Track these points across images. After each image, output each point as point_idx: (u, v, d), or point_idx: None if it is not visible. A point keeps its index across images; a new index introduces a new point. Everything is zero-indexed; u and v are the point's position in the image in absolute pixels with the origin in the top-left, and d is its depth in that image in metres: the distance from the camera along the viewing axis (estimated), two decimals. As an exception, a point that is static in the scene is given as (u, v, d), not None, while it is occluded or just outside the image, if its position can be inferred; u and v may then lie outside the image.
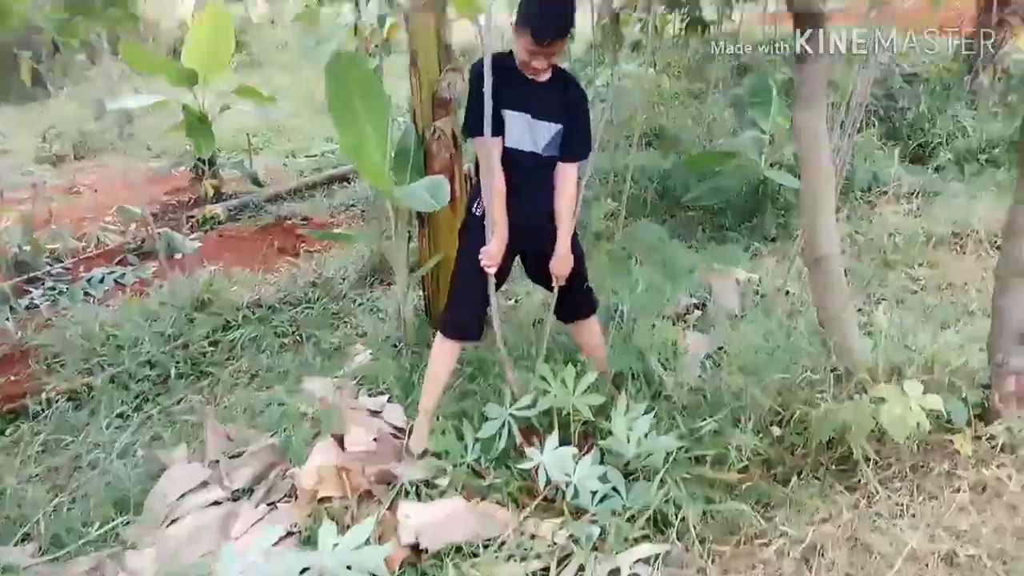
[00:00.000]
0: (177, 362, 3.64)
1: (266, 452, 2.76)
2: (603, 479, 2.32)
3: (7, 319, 4.02)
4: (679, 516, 2.20)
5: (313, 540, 2.13)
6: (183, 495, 2.59)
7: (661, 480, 2.27)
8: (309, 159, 8.20)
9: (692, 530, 2.17)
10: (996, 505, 2.13)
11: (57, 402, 3.31)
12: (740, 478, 2.38)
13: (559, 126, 2.51)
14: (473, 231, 2.58)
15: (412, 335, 3.60)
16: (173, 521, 2.47)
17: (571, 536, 2.18)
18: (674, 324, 3.59)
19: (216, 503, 2.56)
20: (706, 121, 7.23)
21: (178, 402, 3.40)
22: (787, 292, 3.88)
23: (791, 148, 4.98)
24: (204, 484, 2.65)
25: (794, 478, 2.38)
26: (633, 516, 2.23)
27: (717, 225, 5.34)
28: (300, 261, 5.10)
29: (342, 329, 4.07)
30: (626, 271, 4.15)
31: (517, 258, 2.80)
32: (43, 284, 4.72)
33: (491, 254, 2.43)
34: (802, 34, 2.39)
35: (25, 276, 4.71)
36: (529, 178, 2.55)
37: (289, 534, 2.33)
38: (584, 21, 7.54)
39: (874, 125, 6.82)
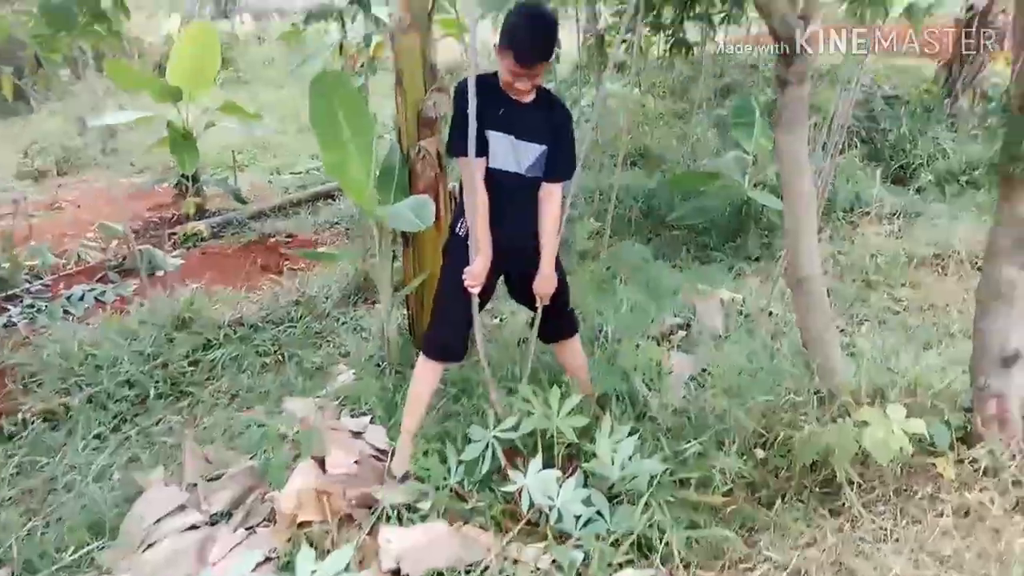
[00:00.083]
0: (156, 382, 3.59)
1: (245, 475, 2.72)
2: (587, 502, 2.30)
3: (-17, 337, 3.96)
4: (663, 540, 2.18)
5: (292, 566, 2.09)
6: (160, 519, 2.53)
7: (645, 504, 2.26)
8: (294, 176, 8.18)
9: (676, 555, 2.15)
10: (979, 529, 2.13)
11: (33, 423, 3.26)
12: (724, 501, 2.37)
13: (543, 147, 2.51)
14: (456, 251, 2.57)
15: (396, 355, 3.57)
16: (149, 546, 2.42)
17: (554, 561, 2.16)
18: (659, 344, 3.59)
19: (193, 527, 2.51)
20: (690, 141, 7.30)
21: (157, 423, 3.35)
22: (771, 312, 3.89)
23: (774, 169, 5.03)
24: (181, 507, 2.59)
25: (778, 501, 2.37)
26: (617, 540, 2.20)
27: (701, 245, 5.36)
28: (283, 279, 5.06)
29: (325, 348, 4.03)
30: (611, 291, 4.16)
31: (501, 278, 2.79)
32: (22, 302, 4.65)
33: (475, 274, 2.42)
34: (784, 59, 2.41)
35: (4, 293, 4.66)
36: (513, 199, 2.54)
37: (268, 559, 2.29)
38: (570, 42, 7.63)
39: (856, 146, 6.92)
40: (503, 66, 2.36)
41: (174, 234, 6.00)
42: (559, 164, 2.56)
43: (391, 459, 2.76)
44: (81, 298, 4.71)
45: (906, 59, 9.65)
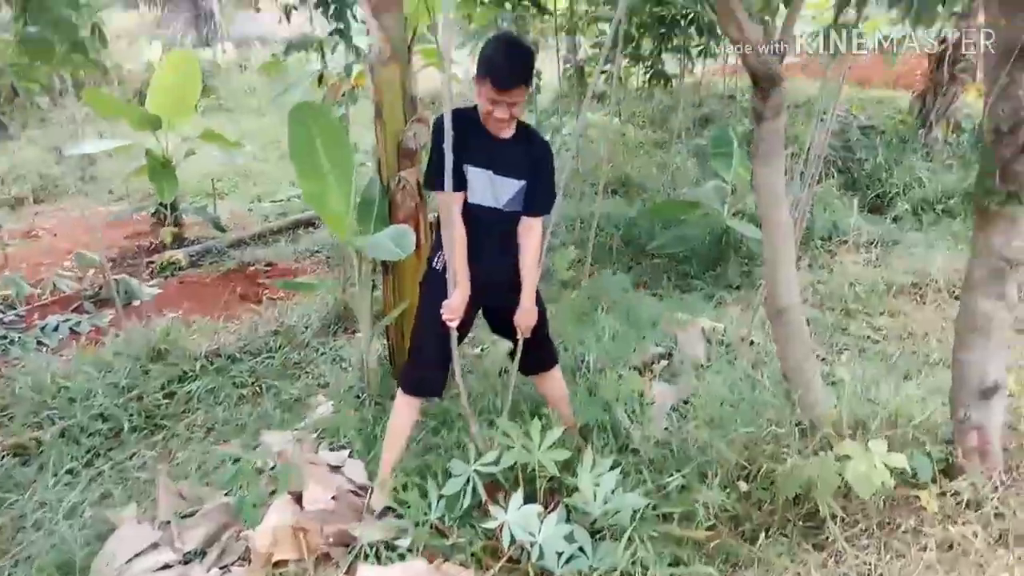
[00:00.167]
0: (130, 415, 3.51)
1: (220, 511, 2.66)
2: (569, 539, 2.26)
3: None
4: (646, 577, 2.15)
5: (267, 607, 2.04)
6: (132, 558, 2.46)
7: (628, 539, 2.23)
8: (275, 204, 8.13)
9: (659, 592, 2.12)
10: (963, 564, 2.12)
11: (3, 458, 3.18)
12: (708, 536, 2.34)
13: (522, 183, 2.50)
14: (434, 285, 2.55)
15: (376, 385, 3.54)
16: (120, 586, 2.36)
17: (536, 600, 2.12)
18: (640, 374, 3.58)
19: (167, 566, 2.44)
20: (670, 170, 7.36)
21: (130, 457, 3.28)
22: (752, 342, 3.90)
23: (753, 198, 5.07)
24: (154, 546, 2.53)
25: (762, 535, 2.34)
26: (600, 578, 2.17)
27: (682, 273, 5.38)
28: (262, 308, 5.01)
29: (303, 379, 3.98)
30: (592, 320, 4.15)
31: (479, 311, 2.77)
32: (-6, 332, 4.56)
33: (453, 308, 2.40)
34: (760, 93, 2.43)
35: (-25, 324, 4.57)
36: (491, 233, 2.53)
37: (242, 600, 2.23)
38: (551, 72, 7.70)
39: (833, 176, 7.01)
40: (482, 94, 2.33)
41: (152, 263, 5.93)
42: (538, 198, 2.55)
43: (370, 495, 2.71)
44: (55, 329, 4.63)
45: (881, 90, 9.85)
